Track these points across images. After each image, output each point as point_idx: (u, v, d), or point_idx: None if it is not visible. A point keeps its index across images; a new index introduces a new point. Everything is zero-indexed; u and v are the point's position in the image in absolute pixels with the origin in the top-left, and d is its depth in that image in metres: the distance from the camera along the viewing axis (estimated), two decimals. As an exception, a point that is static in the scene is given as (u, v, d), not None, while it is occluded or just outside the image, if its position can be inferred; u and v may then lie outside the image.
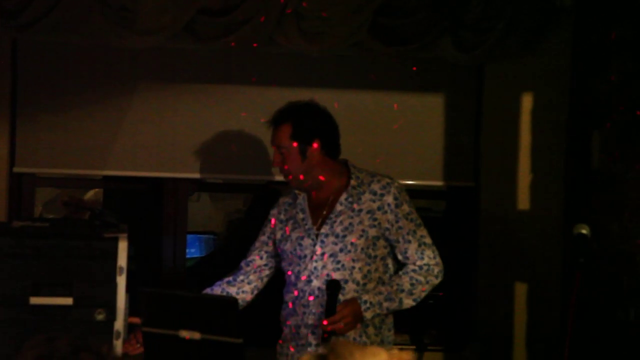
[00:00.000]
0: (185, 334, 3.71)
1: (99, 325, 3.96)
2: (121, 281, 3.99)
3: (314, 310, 4.08)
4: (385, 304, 4.06)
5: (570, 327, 3.72)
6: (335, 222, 4.12)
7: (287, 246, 4.20)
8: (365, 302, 4.03)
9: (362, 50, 4.93)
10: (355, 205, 4.14)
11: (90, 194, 6.72)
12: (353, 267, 4.09)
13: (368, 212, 4.13)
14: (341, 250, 4.10)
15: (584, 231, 3.76)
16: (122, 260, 3.99)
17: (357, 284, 4.10)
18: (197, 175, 5.21)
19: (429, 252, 4.12)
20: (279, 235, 4.25)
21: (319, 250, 4.10)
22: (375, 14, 4.77)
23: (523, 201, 5.21)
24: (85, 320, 3.95)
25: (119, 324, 3.99)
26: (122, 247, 3.99)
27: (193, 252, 6.89)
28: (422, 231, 4.16)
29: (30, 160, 5.05)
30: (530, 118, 5.20)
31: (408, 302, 4.10)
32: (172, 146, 5.11)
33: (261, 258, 4.31)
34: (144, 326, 3.77)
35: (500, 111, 5.22)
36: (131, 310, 4.05)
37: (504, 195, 5.22)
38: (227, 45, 4.76)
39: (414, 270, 4.11)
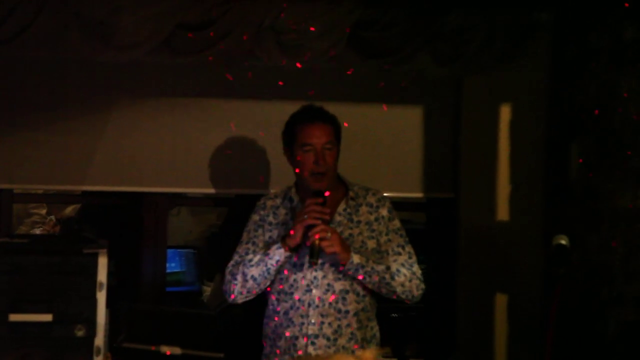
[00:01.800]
0: (166, 349, 3.70)
1: (79, 342, 3.95)
2: (101, 297, 3.98)
3: (313, 321, 4.05)
4: (371, 264, 4.03)
5: (551, 337, 3.73)
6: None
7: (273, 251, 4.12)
8: (355, 249, 4.03)
9: (340, 64, 4.94)
10: (354, 217, 4.15)
11: (68, 210, 6.70)
12: (354, 278, 4.08)
13: (366, 223, 4.15)
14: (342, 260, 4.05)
15: (563, 242, 3.77)
16: (102, 275, 3.99)
17: (358, 294, 4.10)
18: (176, 190, 5.20)
19: (416, 267, 4.15)
20: (266, 237, 4.19)
21: (319, 260, 4.04)
22: (354, 27, 4.78)
23: (502, 212, 5.22)
24: (65, 337, 3.94)
25: (99, 340, 3.97)
26: (102, 263, 3.99)
27: (173, 266, 6.87)
28: (411, 249, 4.20)
29: (7, 176, 5.01)
30: (509, 130, 5.22)
31: (388, 280, 4.05)
32: (151, 160, 5.09)
33: None
34: (125, 342, 3.76)
35: (479, 123, 5.24)
36: (112, 325, 4.04)
37: (484, 207, 5.24)
38: (205, 59, 4.75)
39: (402, 265, 4.12)
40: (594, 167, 4.67)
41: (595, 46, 4.70)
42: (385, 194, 4.29)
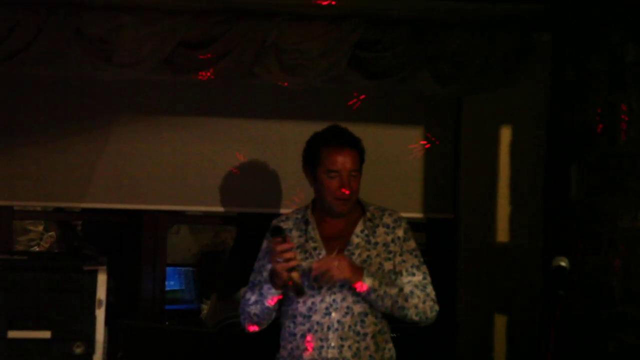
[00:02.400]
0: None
1: (77, 359, 3.94)
2: (100, 314, 3.98)
3: (333, 344, 4.01)
4: (385, 287, 3.98)
5: (550, 358, 3.72)
6: (353, 254, 4.07)
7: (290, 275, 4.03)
8: (369, 271, 3.98)
9: (341, 83, 4.95)
10: (371, 238, 4.11)
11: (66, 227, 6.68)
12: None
13: (384, 244, 4.11)
14: None
15: (563, 263, 3.77)
16: (101, 293, 3.99)
17: (376, 317, 4.07)
18: (176, 207, 5.21)
19: (430, 288, 4.10)
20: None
21: (337, 283, 4.01)
22: (355, 47, 4.79)
23: (502, 233, 5.23)
24: (64, 354, 3.94)
25: (97, 357, 3.97)
26: (101, 280, 3.99)
27: (172, 284, 6.87)
28: (425, 269, 4.14)
29: (7, 193, 5.02)
30: (509, 150, 5.23)
31: (401, 303, 4.00)
32: (151, 178, 5.10)
33: None
34: (123, 359, 3.75)
35: (479, 144, 5.25)
36: (110, 343, 4.04)
37: (483, 228, 5.24)
38: (206, 77, 4.76)
39: (415, 287, 4.07)
40: (593, 189, 4.67)
41: (595, 68, 4.71)
42: (401, 214, 4.22)
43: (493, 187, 5.23)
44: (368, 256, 4.08)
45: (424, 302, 4.05)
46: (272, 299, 4.00)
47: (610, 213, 4.50)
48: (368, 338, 4.05)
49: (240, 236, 7.65)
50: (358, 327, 4.03)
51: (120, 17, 4.55)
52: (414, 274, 4.10)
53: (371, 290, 3.97)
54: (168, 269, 5.53)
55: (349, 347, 4.02)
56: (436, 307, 4.10)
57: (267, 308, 4.02)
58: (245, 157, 5.15)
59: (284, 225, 4.17)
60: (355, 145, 4.12)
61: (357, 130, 5.11)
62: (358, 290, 3.97)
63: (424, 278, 4.11)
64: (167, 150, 5.12)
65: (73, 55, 4.61)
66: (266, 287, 4.00)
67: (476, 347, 5.19)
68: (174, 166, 5.13)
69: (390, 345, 4.19)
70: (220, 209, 5.28)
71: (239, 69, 4.76)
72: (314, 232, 4.14)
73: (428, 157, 5.29)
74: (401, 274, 4.10)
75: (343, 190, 4.04)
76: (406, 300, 4.02)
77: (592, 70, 4.72)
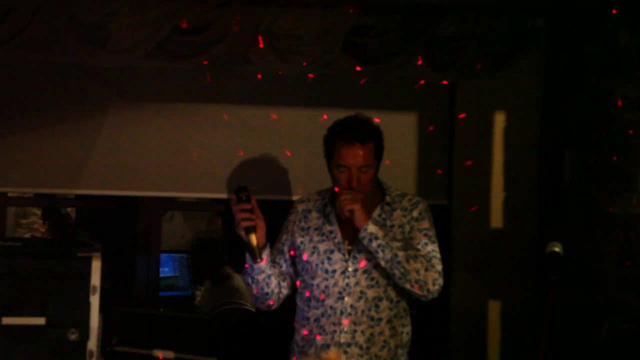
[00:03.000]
0: (159, 353, 3.69)
1: (72, 345, 3.93)
2: (94, 300, 3.96)
3: (346, 329, 4.02)
4: (388, 239, 3.95)
5: (544, 344, 3.73)
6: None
7: (314, 258, 4.11)
8: (374, 218, 4.00)
9: (335, 69, 4.95)
10: (387, 222, 4.10)
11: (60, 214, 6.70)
12: (387, 284, 4.05)
13: (400, 226, 4.09)
14: (375, 266, 4.03)
15: (556, 249, 3.78)
16: (96, 279, 3.97)
17: (391, 301, 4.07)
18: (170, 194, 5.20)
19: (436, 262, 4.03)
20: (298, 242, 4.15)
21: (350, 266, 4.04)
22: (349, 33, 4.79)
23: (496, 219, 5.23)
24: (58, 340, 3.92)
25: (92, 344, 3.96)
26: (96, 267, 3.97)
27: (167, 271, 6.87)
28: (435, 247, 4.09)
29: (1, 179, 5.00)
30: (503, 137, 5.23)
31: (402, 260, 3.93)
32: (145, 165, 5.08)
33: (281, 267, 4.20)
34: (118, 346, 3.75)
35: (473, 130, 5.25)
36: (105, 329, 4.03)
37: (477, 214, 5.24)
38: (200, 64, 4.76)
39: (422, 256, 4.01)
40: (587, 175, 4.68)
41: (590, 54, 4.72)
42: (421, 199, 4.21)
43: (487, 174, 5.24)
44: None
45: (426, 270, 3.98)
46: (257, 274, 4.05)
47: (604, 199, 4.51)
48: (382, 323, 4.04)
49: (233, 223, 7.66)
50: (372, 312, 4.03)
51: (115, 3, 4.53)
52: (419, 250, 4.03)
53: (372, 235, 3.95)
54: (162, 255, 5.52)
55: (362, 332, 4.02)
56: (440, 281, 4.02)
57: (260, 286, 4.07)
58: (242, 144, 5.15)
59: (302, 206, 4.22)
60: (368, 140, 4.06)
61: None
62: (361, 234, 3.96)
63: (431, 252, 4.05)
64: (161, 137, 5.11)
65: (67, 41, 4.60)
66: (247, 254, 4.06)
67: (470, 333, 5.20)
68: (168, 153, 5.11)
69: (408, 329, 4.16)
70: (214, 195, 5.28)
71: (233, 55, 4.75)
72: (332, 215, 4.14)
73: (422, 144, 5.29)
74: None
75: (352, 184, 4.02)
76: (407, 260, 3.95)
77: (586, 56, 4.73)
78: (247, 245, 4.01)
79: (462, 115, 5.20)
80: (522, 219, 5.18)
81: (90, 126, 5.03)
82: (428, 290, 4.00)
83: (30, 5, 4.46)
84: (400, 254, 3.95)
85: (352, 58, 4.89)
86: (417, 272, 3.97)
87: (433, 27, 4.88)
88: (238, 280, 6.23)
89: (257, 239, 3.99)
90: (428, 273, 3.99)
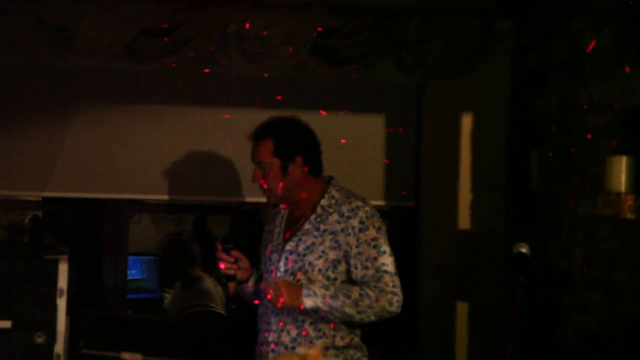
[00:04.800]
0: (127, 355, 3.68)
1: (39, 348, 3.91)
2: (61, 303, 3.95)
3: (274, 328, 4.05)
4: (328, 300, 3.91)
5: (511, 344, 3.75)
6: (300, 240, 4.06)
7: (263, 259, 4.20)
8: (309, 288, 3.94)
9: (303, 71, 4.95)
10: (321, 226, 4.06)
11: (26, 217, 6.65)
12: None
13: (331, 233, 4.04)
14: (300, 269, 4.02)
15: (523, 250, 3.79)
16: (63, 282, 3.96)
17: None
18: (138, 196, 5.19)
19: (387, 279, 3.97)
20: (262, 247, 4.25)
21: (282, 267, 4.06)
22: (317, 35, 4.79)
23: (464, 221, 5.25)
24: (25, 344, 3.90)
25: (59, 347, 3.94)
26: (63, 269, 3.95)
27: (134, 273, 6.85)
28: (385, 259, 4.00)
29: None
30: (470, 138, 5.26)
31: (351, 312, 3.91)
32: (112, 167, 5.07)
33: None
34: (85, 348, 3.73)
35: (441, 131, 5.27)
36: (72, 332, 4.01)
37: (445, 215, 5.26)
38: (168, 66, 4.75)
39: (367, 286, 3.96)
40: (554, 176, 4.71)
41: (555, 56, 4.74)
42: (361, 204, 4.09)
43: (455, 175, 5.26)
44: (313, 243, 4.04)
45: (376, 300, 3.93)
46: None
47: (569, 200, 4.53)
48: (306, 325, 4.01)
49: (201, 225, 7.65)
50: (296, 314, 4.00)
51: (82, 4, 4.52)
52: (367, 268, 3.98)
53: (313, 309, 3.93)
54: (130, 257, 5.51)
55: (288, 332, 4.03)
56: (397, 298, 3.96)
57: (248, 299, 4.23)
58: (209, 147, 5.14)
59: (273, 212, 4.29)
60: (265, 136, 4.08)
61: (319, 118, 5.15)
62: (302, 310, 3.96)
63: (377, 270, 3.97)
64: (129, 139, 5.10)
65: (33, 43, 4.57)
66: None
67: (438, 333, 5.22)
68: (136, 155, 5.10)
69: (344, 334, 4.07)
70: (182, 197, 5.27)
71: (200, 57, 4.75)
72: (281, 218, 4.18)
73: (389, 145, 5.30)
74: (356, 267, 3.99)
75: (253, 181, 4.13)
76: (357, 304, 3.92)
77: (552, 57, 4.76)
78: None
79: (431, 116, 5.23)
80: (489, 220, 5.20)
81: (57, 128, 5.01)
82: (389, 313, 3.98)
83: (-5, 7, 4.43)
84: (347, 308, 3.93)
85: (320, 60, 4.89)
86: (371, 307, 3.95)
87: (400, 29, 4.89)
88: (207, 282, 6.23)
89: (232, 287, 4.06)
90: (380, 302, 3.95)
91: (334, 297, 3.93)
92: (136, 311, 6.06)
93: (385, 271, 3.98)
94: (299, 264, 4.04)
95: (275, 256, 4.11)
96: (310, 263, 4.02)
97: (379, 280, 3.97)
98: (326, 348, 4.05)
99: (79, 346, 4.10)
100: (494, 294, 5.12)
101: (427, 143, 5.29)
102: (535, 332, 4.74)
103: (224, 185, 5.18)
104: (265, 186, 4.10)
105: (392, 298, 3.96)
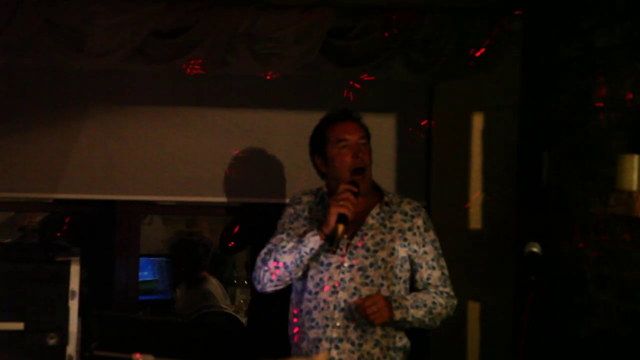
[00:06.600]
0: (139, 357, 3.69)
1: (51, 350, 3.93)
2: (73, 305, 3.96)
3: (338, 324, 3.98)
4: (412, 311, 3.97)
5: (522, 344, 3.75)
6: (366, 235, 4.04)
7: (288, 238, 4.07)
8: (395, 301, 3.94)
9: (314, 72, 4.95)
10: (387, 222, 4.08)
11: (37, 218, 6.67)
12: (382, 285, 4.02)
13: (399, 231, 4.07)
14: (371, 265, 4.01)
15: (535, 249, 3.79)
16: (74, 284, 3.97)
17: None
18: (149, 197, 5.19)
19: (448, 285, 4.11)
20: (301, 232, 4.08)
21: (347, 262, 4.01)
22: (327, 35, 4.79)
23: (474, 220, 5.25)
24: (37, 345, 3.92)
25: (71, 349, 3.96)
26: (74, 271, 3.97)
27: (146, 275, 6.86)
28: (443, 262, 4.14)
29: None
30: (481, 138, 5.25)
31: (425, 319, 4.01)
32: (124, 168, 5.07)
33: None
34: (97, 350, 3.74)
35: (451, 131, 5.27)
36: (84, 334, 4.02)
37: (456, 215, 5.26)
38: (179, 67, 4.75)
39: (436, 293, 4.06)
40: (565, 175, 4.70)
41: (566, 55, 4.74)
42: (420, 204, 4.23)
43: (466, 174, 5.25)
44: (382, 239, 4.05)
45: (445, 307, 4.07)
46: (311, 249, 3.92)
47: (581, 199, 4.53)
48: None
49: (214, 226, 7.65)
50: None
51: (92, 6, 4.52)
52: (434, 268, 4.08)
53: (401, 320, 3.97)
54: (141, 259, 5.51)
55: (354, 328, 3.99)
56: (455, 302, 4.13)
57: (301, 259, 3.94)
58: (220, 148, 5.14)
59: (307, 198, 4.19)
60: (359, 120, 4.15)
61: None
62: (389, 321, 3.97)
63: (443, 273, 4.11)
64: (139, 140, 5.10)
65: (44, 44, 4.58)
66: (310, 234, 3.94)
67: (450, 332, 5.20)
68: (147, 156, 5.11)
69: (402, 334, 4.12)
70: (194, 198, 5.27)
71: (211, 58, 4.75)
72: (310, 210, 4.14)
73: (400, 145, 5.30)
74: (421, 266, 4.08)
75: (359, 154, 4.04)
76: (431, 312, 4.01)
77: (563, 56, 4.75)
78: (330, 231, 3.90)
79: (442, 116, 5.22)
80: (501, 219, 5.20)
81: (68, 130, 5.02)
82: (449, 318, 4.14)
83: (7, 8, 4.43)
84: (426, 319, 4.02)
85: (330, 60, 4.89)
86: (440, 314, 4.07)
87: (410, 29, 4.89)
88: (211, 283, 6.24)
89: (341, 230, 3.89)
90: (447, 309, 4.09)
91: (416, 307, 3.99)
92: (148, 312, 6.06)
93: (446, 275, 4.12)
94: (370, 259, 4.02)
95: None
96: (383, 260, 4.02)
97: (445, 284, 4.10)
98: (387, 348, 4.03)
99: (90, 348, 4.10)
100: (505, 294, 5.11)
101: (437, 143, 5.28)
102: (547, 332, 4.73)
103: (235, 186, 5.17)
104: (367, 161, 4.09)
105: (454, 304, 4.12)
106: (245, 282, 7.04)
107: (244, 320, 6.19)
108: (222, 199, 5.20)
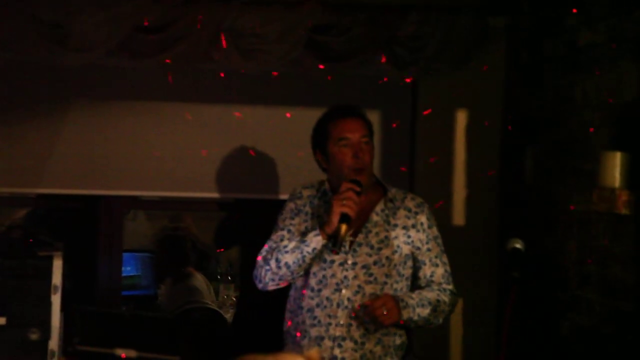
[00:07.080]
0: (121, 352, 3.68)
1: (33, 345, 3.91)
2: (56, 300, 3.95)
3: (342, 322, 3.95)
4: (418, 310, 3.94)
5: (505, 340, 3.76)
6: (370, 232, 4.01)
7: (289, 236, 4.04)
8: (403, 300, 3.92)
9: (298, 68, 4.94)
10: (391, 219, 4.05)
11: (20, 214, 6.64)
12: (385, 283, 3.99)
13: (403, 227, 4.04)
14: (375, 262, 3.98)
15: (518, 245, 3.80)
16: (57, 278, 3.95)
17: None
18: (133, 193, 5.17)
19: (451, 280, 4.10)
20: (302, 228, 4.05)
21: (350, 259, 3.98)
22: (311, 31, 4.79)
23: (458, 216, 5.26)
24: (19, 340, 3.90)
25: (53, 343, 3.94)
26: (57, 266, 3.95)
27: (129, 270, 6.85)
28: (446, 259, 4.12)
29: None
30: (465, 134, 5.26)
31: (430, 318, 3.98)
32: (107, 163, 5.06)
33: None
34: (79, 345, 3.73)
35: (435, 127, 5.27)
36: (66, 329, 4.01)
37: (439, 211, 5.25)
38: (162, 62, 4.74)
39: (440, 290, 4.04)
40: (548, 172, 4.71)
41: (550, 52, 4.75)
42: (423, 200, 4.20)
43: (449, 171, 5.26)
44: (386, 237, 4.01)
45: (449, 305, 4.05)
46: (313, 249, 3.88)
47: (564, 196, 4.54)
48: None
49: (199, 222, 7.65)
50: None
51: (76, 1, 4.51)
52: (437, 265, 4.06)
53: (408, 320, 3.95)
54: (125, 254, 5.50)
55: (357, 326, 3.96)
56: (458, 299, 4.18)
57: (303, 258, 3.90)
58: (204, 143, 5.13)
59: (307, 192, 4.13)
60: (361, 116, 4.10)
61: (314, 114, 5.14)
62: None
63: (446, 270, 4.09)
64: (123, 136, 5.08)
65: (28, 39, 4.56)
66: (312, 234, 3.90)
67: (432, 329, 5.20)
68: (131, 151, 5.09)
69: (402, 332, 4.10)
70: (178, 194, 5.26)
71: (195, 53, 4.74)
72: (311, 205, 4.10)
73: (384, 141, 5.30)
74: (424, 264, 4.05)
75: (359, 154, 4.00)
76: (435, 310, 3.99)
77: (547, 54, 4.77)
78: (333, 231, 3.86)
79: (426, 112, 5.22)
80: (484, 216, 5.21)
81: (51, 125, 5.00)
82: (451, 313, 4.16)
83: (-10, 5, 4.42)
84: (429, 316, 3.99)
85: (315, 56, 4.89)
86: (443, 312, 4.05)
87: (395, 25, 4.89)
88: (197, 279, 6.23)
89: (344, 230, 3.84)
90: (451, 307, 4.09)
91: (422, 305, 3.96)
92: (131, 307, 6.05)
93: (449, 272, 4.10)
94: (373, 257, 3.99)
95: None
96: (387, 258, 4.00)
97: (448, 281, 4.08)
98: (388, 346, 4.02)
99: (73, 342, 4.10)
100: (488, 290, 5.12)
101: (421, 139, 5.29)
102: (530, 328, 4.75)
103: (220, 181, 5.17)
104: (367, 160, 4.04)
105: (457, 301, 4.14)
106: (229, 278, 7.03)
107: (227, 315, 6.19)
108: (208, 195, 5.19)
